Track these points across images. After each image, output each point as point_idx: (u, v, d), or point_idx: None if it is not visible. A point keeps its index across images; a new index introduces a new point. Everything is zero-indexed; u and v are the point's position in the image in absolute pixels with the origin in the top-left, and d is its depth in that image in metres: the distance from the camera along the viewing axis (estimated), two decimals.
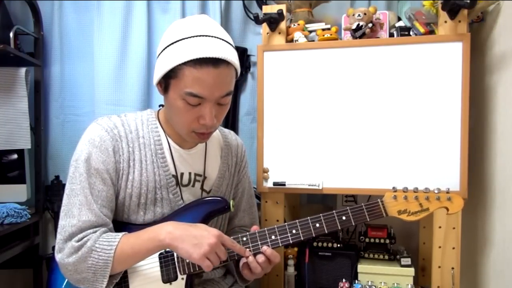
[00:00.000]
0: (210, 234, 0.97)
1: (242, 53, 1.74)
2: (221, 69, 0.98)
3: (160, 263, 1.05)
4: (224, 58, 0.98)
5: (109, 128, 1.08)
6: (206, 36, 0.99)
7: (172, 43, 1.00)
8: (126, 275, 1.05)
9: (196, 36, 0.98)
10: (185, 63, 0.97)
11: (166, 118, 1.13)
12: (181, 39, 0.99)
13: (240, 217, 1.29)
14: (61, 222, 1.03)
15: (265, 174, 1.46)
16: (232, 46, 1.04)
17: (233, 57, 1.01)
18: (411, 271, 1.42)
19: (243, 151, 1.30)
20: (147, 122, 1.14)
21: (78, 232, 1.00)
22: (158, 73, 1.03)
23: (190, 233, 0.97)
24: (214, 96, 1.00)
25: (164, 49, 1.02)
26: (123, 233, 1.03)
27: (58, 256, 1.02)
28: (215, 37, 0.99)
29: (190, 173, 1.15)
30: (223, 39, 1.01)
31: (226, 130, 1.31)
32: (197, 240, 0.96)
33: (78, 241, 0.99)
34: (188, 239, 0.96)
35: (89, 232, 1.01)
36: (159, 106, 1.18)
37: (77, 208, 1.02)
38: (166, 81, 1.02)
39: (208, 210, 1.10)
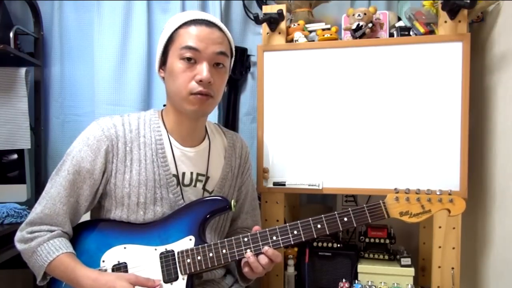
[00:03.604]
0: None
1: (242, 53, 1.74)
2: (214, 29, 1.07)
3: (161, 262, 1.05)
4: (218, 24, 1.08)
5: (106, 127, 1.09)
6: (202, 19, 1.08)
7: (167, 27, 1.10)
8: None
9: (192, 19, 1.08)
10: (180, 26, 1.07)
11: (169, 115, 1.14)
12: (177, 22, 1.09)
13: (243, 219, 1.29)
14: (35, 205, 1.09)
15: (265, 174, 1.46)
16: (229, 36, 1.12)
17: (228, 32, 1.11)
18: (411, 271, 1.42)
19: (247, 153, 1.30)
20: (149, 121, 1.14)
21: (37, 221, 1.06)
22: (157, 53, 1.12)
23: None
24: (208, 51, 1.05)
25: (160, 36, 1.12)
26: (66, 250, 1.03)
27: (17, 233, 1.08)
28: (212, 22, 1.08)
29: (192, 173, 1.15)
30: (220, 26, 1.09)
31: (231, 132, 1.30)
32: None
33: (31, 233, 1.05)
34: None
35: (44, 229, 1.05)
36: (164, 105, 1.18)
37: (47, 199, 1.07)
38: (164, 56, 1.09)
39: (209, 210, 1.10)
